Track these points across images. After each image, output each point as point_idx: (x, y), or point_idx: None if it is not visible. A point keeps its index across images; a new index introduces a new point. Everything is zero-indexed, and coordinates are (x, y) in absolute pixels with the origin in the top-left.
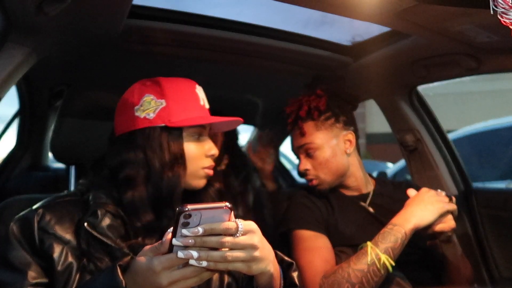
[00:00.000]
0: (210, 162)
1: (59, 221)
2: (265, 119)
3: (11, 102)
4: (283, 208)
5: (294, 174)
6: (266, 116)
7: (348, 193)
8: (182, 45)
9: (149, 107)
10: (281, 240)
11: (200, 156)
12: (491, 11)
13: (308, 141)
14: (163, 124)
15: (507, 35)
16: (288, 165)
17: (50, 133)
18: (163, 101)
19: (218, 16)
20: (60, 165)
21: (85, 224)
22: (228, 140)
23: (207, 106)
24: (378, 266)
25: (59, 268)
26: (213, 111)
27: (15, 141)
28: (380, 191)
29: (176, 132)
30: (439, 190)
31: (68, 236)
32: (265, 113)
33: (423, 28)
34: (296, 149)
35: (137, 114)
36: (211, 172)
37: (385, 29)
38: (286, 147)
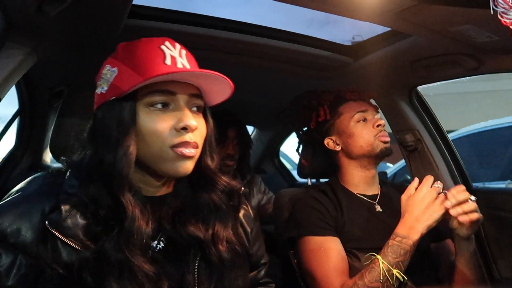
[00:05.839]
0: (182, 138)
1: (14, 223)
2: (265, 119)
3: (11, 102)
4: (284, 208)
5: (294, 174)
6: (266, 116)
7: (358, 191)
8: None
9: (104, 80)
10: (288, 244)
11: (163, 129)
12: (491, 11)
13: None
14: (114, 97)
15: (507, 35)
16: (288, 165)
17: (50, 133)
18: (115, 69)
19: (219, 16)
20: (60, 165)
21: (46, 222)
22: (244, 145)
23: (182, 65)
24: (391, 281)
25: (10, 282)
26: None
27: (15, 141)
28: (386, 192)
29: (127, 104)
30: (435, 185)
31: (25, 240)
32: (266, 113)
33: (423, 28)
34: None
35: (96, 90)
36: (187, 152)
37: (385, 29)
38: (286, 147)
